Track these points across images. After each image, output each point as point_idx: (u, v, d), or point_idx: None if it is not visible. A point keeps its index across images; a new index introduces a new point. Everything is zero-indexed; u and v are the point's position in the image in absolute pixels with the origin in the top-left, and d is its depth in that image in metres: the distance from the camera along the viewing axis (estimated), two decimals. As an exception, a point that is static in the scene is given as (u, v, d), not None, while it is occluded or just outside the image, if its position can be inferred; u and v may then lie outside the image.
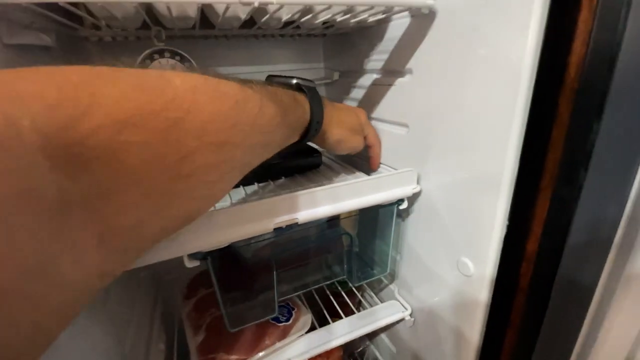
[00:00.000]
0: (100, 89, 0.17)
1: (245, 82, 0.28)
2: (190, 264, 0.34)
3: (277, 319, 0.49)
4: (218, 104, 0.23)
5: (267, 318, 0.44)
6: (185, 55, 0.43)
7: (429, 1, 0.36)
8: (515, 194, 0.35)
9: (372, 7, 0.40)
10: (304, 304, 0.54)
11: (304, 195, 0.37)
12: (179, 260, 0.66)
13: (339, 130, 0.42)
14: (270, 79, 0.40)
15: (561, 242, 0.34)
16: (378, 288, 0.63)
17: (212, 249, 0.34)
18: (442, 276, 0.46)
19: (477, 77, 0.34)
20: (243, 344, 0.45)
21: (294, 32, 0.54)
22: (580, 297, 0.36)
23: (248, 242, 0.38)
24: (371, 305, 0.58)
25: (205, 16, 0.43)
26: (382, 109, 0.52)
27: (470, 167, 0.37)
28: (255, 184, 0.46)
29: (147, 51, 0.40)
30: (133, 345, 0.45)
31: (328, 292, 0.60)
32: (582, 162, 0.31)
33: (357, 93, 0.58)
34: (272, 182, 0.47)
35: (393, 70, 0.48)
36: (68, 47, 0.43)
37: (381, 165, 0.52)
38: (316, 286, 0.47)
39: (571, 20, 0.29)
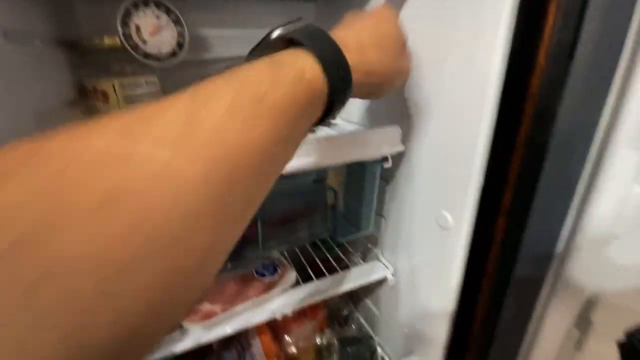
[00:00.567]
0: None
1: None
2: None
3: (262, 275, 0.50)
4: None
5: (251, 269, 0.45)
6: (172, 8, 0.43)
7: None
8: (491, 152, 0.36)
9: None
10: (290, 264, 0.55)
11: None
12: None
13: (375, 62, 0.27)
14: (249, 58, 0.30)
15: (531, 196, 0.36)
16: (364, 252, 0.64)
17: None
18: (422, 234, 0.47)
19: (458, 42, 0.35)
20: (228, 295, 0.46)
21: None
22: (546, 248, 0.38)
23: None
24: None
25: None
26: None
27: (451, 128, 0.39)
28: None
29: (129, 1, 0.40)
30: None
31: (315, 255, 0.61)
32: (549, 128, 0.32)
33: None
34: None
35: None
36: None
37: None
38: (301, 243, 0.48)
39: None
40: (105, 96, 0.42)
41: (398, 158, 0.48)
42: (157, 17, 0.42)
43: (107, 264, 0.12)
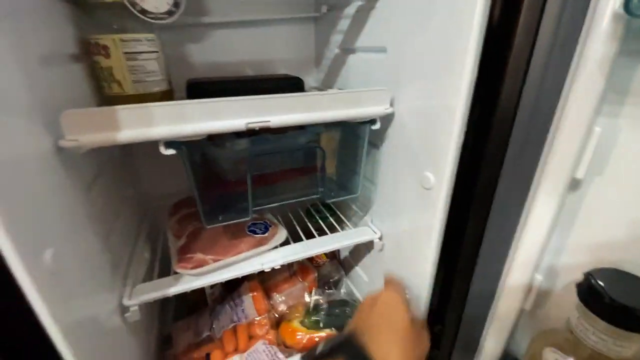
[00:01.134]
0: None
1: None
2: (166, 151, 0.36)
3: (253, 231, 0.53)
4: None
5: (241, 220, 0.47)
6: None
7: None
8: (470, 112, 0.37)
9: None
10: (281, 224, 0.58)
11: (279, 99, 0.39)
12: (166, 188, 0.69)
13: None
14: None
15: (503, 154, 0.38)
16: (354, 220, 0.66)
17: (186, 139, 0.37)
18: (406, 196, 0.49)
19: (439, 12, 0.36)
20: (220, 247, 0.49)
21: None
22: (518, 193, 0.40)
23: (223, 143, 0.40)
24: (346, 233, 0.62)
25: None
26: (365, 37, 0.53)
27: (434, 93, 0.40)
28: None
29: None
30: (117, 252, 0.48)
31: (308, 222, 0.63)
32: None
33: (343, 24, 0.58)
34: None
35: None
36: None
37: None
38: (291, 201, 0.50)
39: None
40: (106, 51, 0.43)
41: (386, 121, 0.49)
42: None
43: None
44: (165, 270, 0.50)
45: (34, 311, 0.26)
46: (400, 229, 0.53)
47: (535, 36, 0.33)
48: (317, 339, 0.57)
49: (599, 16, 0.31)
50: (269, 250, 0.52)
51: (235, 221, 0.47)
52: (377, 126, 0.47)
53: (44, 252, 0.28)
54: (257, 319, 0.58)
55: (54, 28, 0.40)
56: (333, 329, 0.59)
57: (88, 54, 0.45)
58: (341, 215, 0.67)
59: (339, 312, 0.62)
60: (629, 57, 0.32)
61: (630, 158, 0.35)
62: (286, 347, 0.58)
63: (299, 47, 0.70)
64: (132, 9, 0.43)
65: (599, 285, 0.31)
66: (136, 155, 0.65)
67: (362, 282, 0.70)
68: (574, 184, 0.39)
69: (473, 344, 0.51)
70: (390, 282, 0.47)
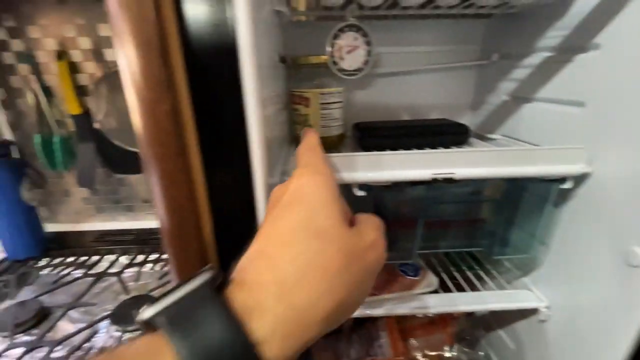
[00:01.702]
0: None
1: None
2: (358, 192, 0.41)
3: (404, 272, 0.54)
4: None
5: (404, 261, 0.49)
6: (367, 30, 0.51)
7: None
8: None
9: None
10: (426, 267, 0.57)
11: (465, 153, 0.41)
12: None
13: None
14: None
15: None
16: (505, 276, 0.60)
17: (376, 184, 0.41)
18: (598, 270, 0.42)
19: None
20: (375, 283, 0.51)
21: (462, 12, 0.56)
22: None
23: (403, 188, 0.44)
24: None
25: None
26: (551, 88, 0.50)
27: None
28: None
29: (340, 25, 0.50)
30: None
31: (452, 268, 0.61)
32: None
33: (519, 73, 0.57)
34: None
35: (573, 46, 0.46)
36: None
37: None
38: (453, 250, 0.49)
39: None
40: (307, 102, 0.53)
41: (578, 181, 0.44)
42: (355, 39, 0.51)
43: None
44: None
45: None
46: (579, 303, 0.46)
47: None
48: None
49: None
50: (419, 294, 0.52)
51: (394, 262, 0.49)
52: (567, 186, 0.43)
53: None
54: (394, 359, 0.58)
55: (279, 81, 0.51)
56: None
57: (291, 103, 0.56)
58: (490, 268, 0.62)
59: (481, 377, 0.57)
60: None
61: None
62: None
63: (457, 92, 0.70)
64: (333, 69, 0.52)
65: None
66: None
67: (506, 349, 0.62)
68: None
69: None
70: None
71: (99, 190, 0.83)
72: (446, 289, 0.55)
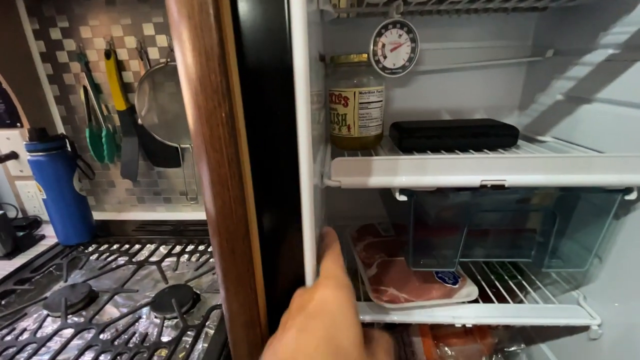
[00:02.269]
0: None
1: None
2: (399, 197, 0.40)
3: (443, 279, 0.52)
4: None
5: (445, 269, 0.47)
6: (412, 27, 0.49)
7: None
8: None
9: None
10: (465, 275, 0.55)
11: (518, 159, 0.38)
12: (347, 212, 0.76)
13: None
14: None
15: None
16: (550, 289, 0.57)
17: (419, 189, 0.40)
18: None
19: None
20: (412, 288, 0.50)
21: (516, 5, 0.53)
22: None
23: (447, 194, 0.42)
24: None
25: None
26: (615, 89, 0.45)
27: None
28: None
29: (384, 22, 0.48)
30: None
31: (493, 276, 0.58)
32: None
33: (577, 71, 0.52)
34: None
35: (642, 43, 0.41)
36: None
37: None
38: (497, 259, 0.47)
39: None
40: (346, 101, 0.52)
41: (644, 192, 0.40)
42: (399, 36, 0.49)
43: None
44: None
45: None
46: (637, 322, 0.42)
47: None
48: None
49: None
50: (458, 303, 0.50)
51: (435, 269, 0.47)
52: (632, 197, 0.39)
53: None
54: (426, 366, 0.56)
55: (319, 80, 0.50)
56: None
57: (330, 102, 0.55)
58: (535, 279, 0.59)
59: (520, 392, 0.54)
60: None
61: None
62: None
63: (503, 91, 0.66)
64: (376, 67, 0.50)
65: None
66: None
67: (548, 365, 0.59)
68: None
69: None
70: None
71: (140, 182, 0.87)
72: (485, 298, 0.52)
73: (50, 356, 0.48)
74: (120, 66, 0.76)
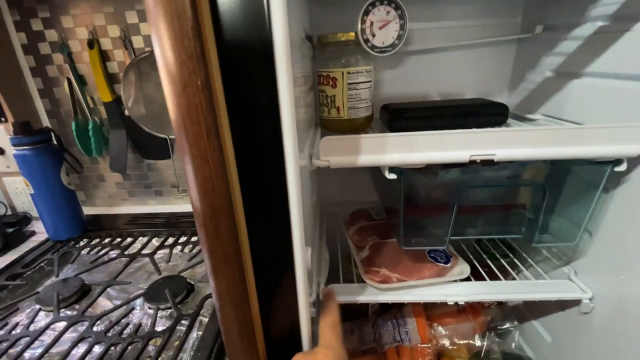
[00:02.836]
0: None
1: None
2: (389, 175, 0.40)
3: (435, 259, 0.52)
4: None
5: (436, 247, 0.47)
6: (400, 3, 0.48)
7: None
8: None
9: None
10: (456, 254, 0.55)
11: (506, 132, 0.38)
12: (340, 198, 0.76)
13: None
14: None
15: None
16: (541, 266, 0.57)
17: (408, 167, 0.39)
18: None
19: None
20: (403, 268, 0.50)
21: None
22: None
23: (436, 171, 0.41)
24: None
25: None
26: (604, 62, 0.45)
27: None
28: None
29: (370, 1, 0.47)
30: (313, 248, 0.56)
31: (485, 255, 0.59)
32: None
33: (566, 46, 0.52)
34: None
35: (632, 14, 0.41)
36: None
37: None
38: (488, 236, 0.47)
39: None
40: (334, 82, 0.51)
41: (633, 164, 0.40)
42: (387, 13, 0.48)
43: None
44: (335, 275, 0.54)
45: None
46: (627, 295, 0.42)
47: None
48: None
49: None
50: (450, 282, 0.50)
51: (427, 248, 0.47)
52: (621, 168, 0.39)
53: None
54: (421, 345, 0.57)
55: (305, 61, 0.49)
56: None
57: (318, 84, 0.54)
58: (526, 256, 0.59)
59: (514, 368, 0.55)
60: None
61: None
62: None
63: (493, 69, 0.66)
64: (364, 46, 0.49)
65: None
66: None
67: (540, 341, 0.60)
68: None
69: None
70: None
71: (130, 175, 0.86)
72: (478, 277, 0.53)
73: (44, 349, 0.47)
74: (104, 56, 0.74)
